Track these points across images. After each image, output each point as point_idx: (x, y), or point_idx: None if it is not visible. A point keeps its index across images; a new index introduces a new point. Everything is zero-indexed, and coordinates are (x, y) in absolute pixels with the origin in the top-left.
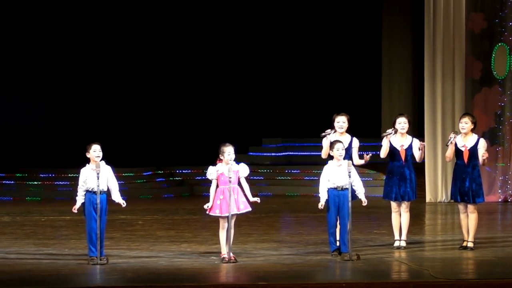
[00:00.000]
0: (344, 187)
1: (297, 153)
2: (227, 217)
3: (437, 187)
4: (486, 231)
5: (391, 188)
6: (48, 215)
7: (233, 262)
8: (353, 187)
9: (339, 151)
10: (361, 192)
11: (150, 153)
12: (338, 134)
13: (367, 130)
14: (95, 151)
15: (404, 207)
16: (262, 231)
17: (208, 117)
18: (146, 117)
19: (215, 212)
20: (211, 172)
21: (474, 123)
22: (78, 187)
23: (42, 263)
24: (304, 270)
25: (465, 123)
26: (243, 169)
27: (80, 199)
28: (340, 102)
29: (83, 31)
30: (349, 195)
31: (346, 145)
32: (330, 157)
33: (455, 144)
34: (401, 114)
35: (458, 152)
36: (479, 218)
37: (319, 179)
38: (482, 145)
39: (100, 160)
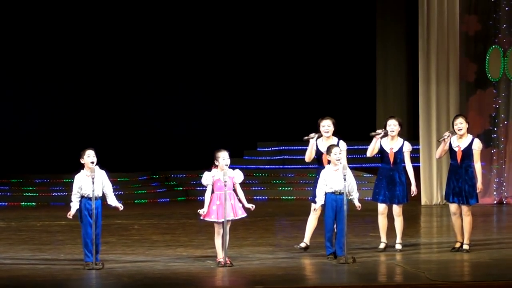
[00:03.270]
0: (341, 191)
1: (292, 156)
2: (223, 222)
3: (432, 189)
4: (481, 233)
5: (379, 191)
6: (44, 221)
7: (229, 266)
8: (348, 192)
9: (336, 155)
10: (355, 197)
11: (145, 158)
12: (325, 139)
13: (362, 133)
14: (89, 157)
15: (397, 211)
16: (258, 235)
17: (203, 121)
18: (141, 122)
19: (211, 218)
20: (207, 178)
21: (468, 123)
22: (73, 193)
23: (38, 269)
24: (300, 273)
25: (460, 124)
26: (238, 176)
27: (75, 205)
28: (335, 105)
29: (78, 36)
30: (345, 198)
31: None
32: (319, 162)
33: (450, 144)
34: (391, 117)
35: (452, 152)
36: (474, 220)
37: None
38: (477, 145)
39: (95, 165)
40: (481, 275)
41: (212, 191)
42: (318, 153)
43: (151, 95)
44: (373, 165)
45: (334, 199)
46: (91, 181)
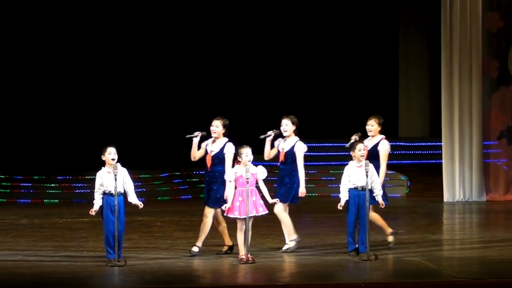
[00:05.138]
0: (364, 187)
1: (314, 153)
2: (245, 218)
3: (454, 186)
4: (504, 230)
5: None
6: (66, 218)
7: (251, 263)
8: (371, 188)
9: (360, 152)
10: (378, 195)
11: (167, 155)
12: (214, 138)
13: (384, 131)
14: (110, 154)
15: (276, 209)
16: (280, 231)
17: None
18: (162, 119)
19: (234, 214)
20: (229, 174)
21: (381, 124)
22: (95, 190)
23: (61, 265)
24: (323, 270)
25: (371, 126)
26: (261, 172)
27: (97, 202)
28: (356, 102)
29: (99, 36)
30: (367, 194)
31: (217, 150)
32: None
33: None
34: (285, 116)
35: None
36: (496, 216)
37: (336, 179)
38: (384, 147)
39: (116, 162)
40: (503, 272)
41: (235, 187)
42: (205, 153)
43: (173, 92)
44: (395, 162)
45: (357, 195)
46: (113, 178)
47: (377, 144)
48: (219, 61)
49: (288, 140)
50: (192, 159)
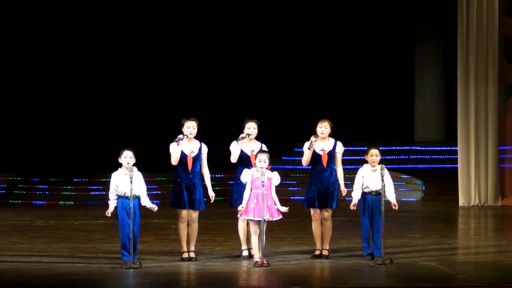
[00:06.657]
0: (378, 191)
1: None
2: (259, 222)
3: (470, 191)
4: None
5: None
6: (82, 220)
7: (266, 266)
8: (385, 192)
9: (372, 157)
10: (392, 196)
11: None
12: (187, 140)
13: (399, 135)
14: (125, 157)
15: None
16: (295, 235)
17: (240, 121)
18: (178, 122)
19: (249, 215)
20: (246, 175)
21: (332, 127)
22: (110, 191)
23: (76, 267)
24: (337, 274)
25: (325, 128)
26: (276, 178)
27: (112, 203)
28: (372, 107)
29: (115, 40)
30: (382, 199)
31: (196, 151)
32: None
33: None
34: (251, 119)
35: (315, 157)
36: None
37: (351, 184)
38: (340, 149)
39: (133, 166)
40: None
41: (251, 189)
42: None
43: (188, 96)
44: (410, 166)
45: (371, 199)
46: (129, 180)
47: (334, 147)
48: (233, 63)
49: (256, 143)
50: (175, 163)
